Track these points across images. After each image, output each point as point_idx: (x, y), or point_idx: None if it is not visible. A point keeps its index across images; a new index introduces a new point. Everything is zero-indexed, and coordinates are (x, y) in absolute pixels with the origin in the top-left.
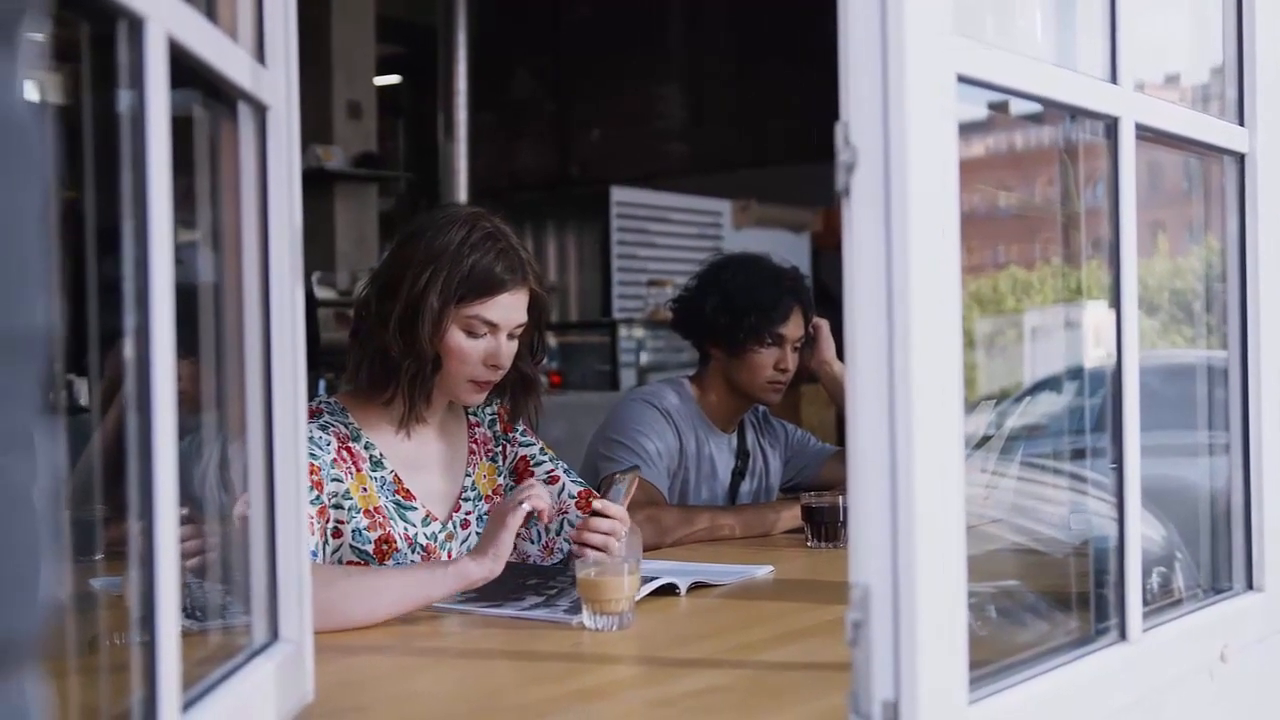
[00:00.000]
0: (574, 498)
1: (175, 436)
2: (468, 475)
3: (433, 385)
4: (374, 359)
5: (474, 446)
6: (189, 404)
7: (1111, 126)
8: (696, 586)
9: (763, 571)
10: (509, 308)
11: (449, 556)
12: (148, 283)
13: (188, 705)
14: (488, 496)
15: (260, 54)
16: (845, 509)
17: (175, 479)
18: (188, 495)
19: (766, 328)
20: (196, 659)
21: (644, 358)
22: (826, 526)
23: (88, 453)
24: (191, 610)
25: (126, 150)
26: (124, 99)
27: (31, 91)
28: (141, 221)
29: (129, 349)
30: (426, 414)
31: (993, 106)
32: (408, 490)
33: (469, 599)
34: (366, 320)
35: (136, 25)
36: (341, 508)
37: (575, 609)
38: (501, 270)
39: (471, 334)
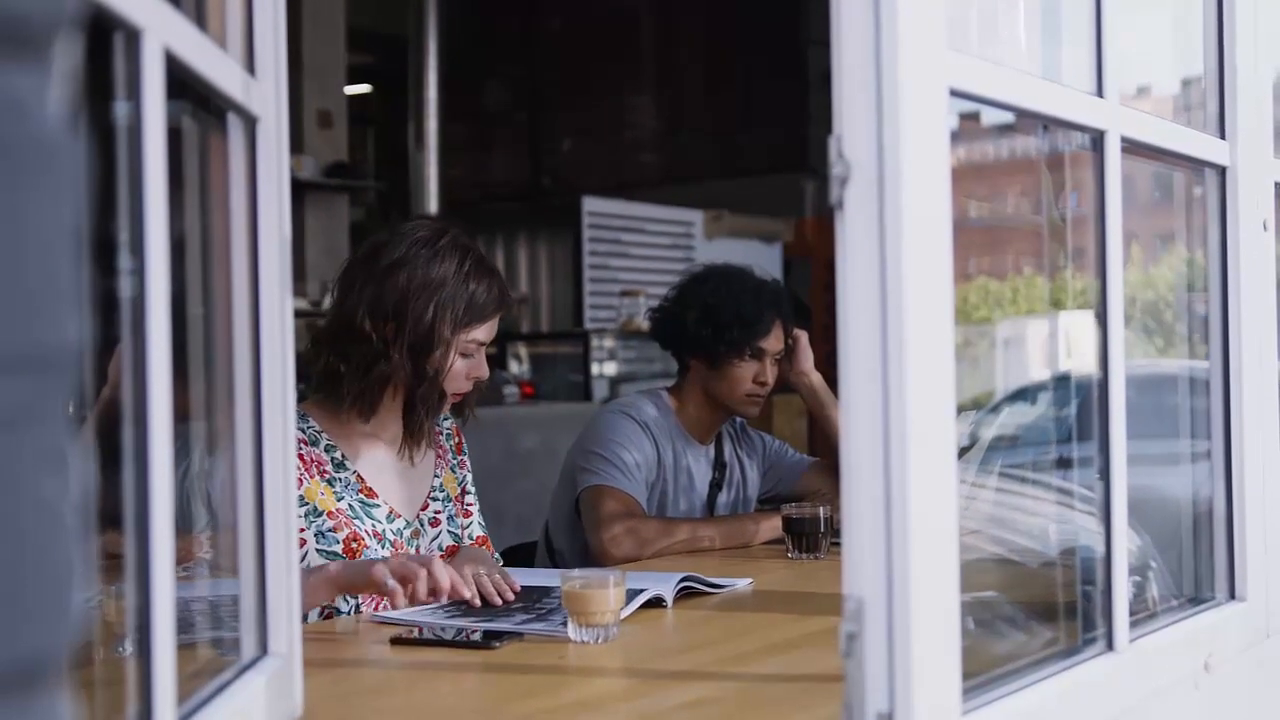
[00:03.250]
0: (472, 539)
1: (170, 450)
2: (436, 476)
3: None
4: (375, 383)
5: (440, 451)
6: (174, 414)
7: (1098, 139)
8: (684, 593)
9: (743, 584)
10: (495, 326)
11: (417, 553)
12: (144, 294)
13: None
14: (456, 498)
15: (250, 65)
16: (826, 520)
17: (170, 493)
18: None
19: (747, 341)
20: (185, 673)
21: (616, 368)
22: (807, 538)
23: None
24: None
25: (122, 161)
26: (119, 110)
27: (64, 106)
28: (138, 233)
29: (125, 361)
30: (430, 433)
31: (964, 116)
32: (370, 489)
33: (456, 615)
34: (362, 343)
35: (134, 37)
36: (299, 515)
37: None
38: (498, 295)
39: (464, 355)
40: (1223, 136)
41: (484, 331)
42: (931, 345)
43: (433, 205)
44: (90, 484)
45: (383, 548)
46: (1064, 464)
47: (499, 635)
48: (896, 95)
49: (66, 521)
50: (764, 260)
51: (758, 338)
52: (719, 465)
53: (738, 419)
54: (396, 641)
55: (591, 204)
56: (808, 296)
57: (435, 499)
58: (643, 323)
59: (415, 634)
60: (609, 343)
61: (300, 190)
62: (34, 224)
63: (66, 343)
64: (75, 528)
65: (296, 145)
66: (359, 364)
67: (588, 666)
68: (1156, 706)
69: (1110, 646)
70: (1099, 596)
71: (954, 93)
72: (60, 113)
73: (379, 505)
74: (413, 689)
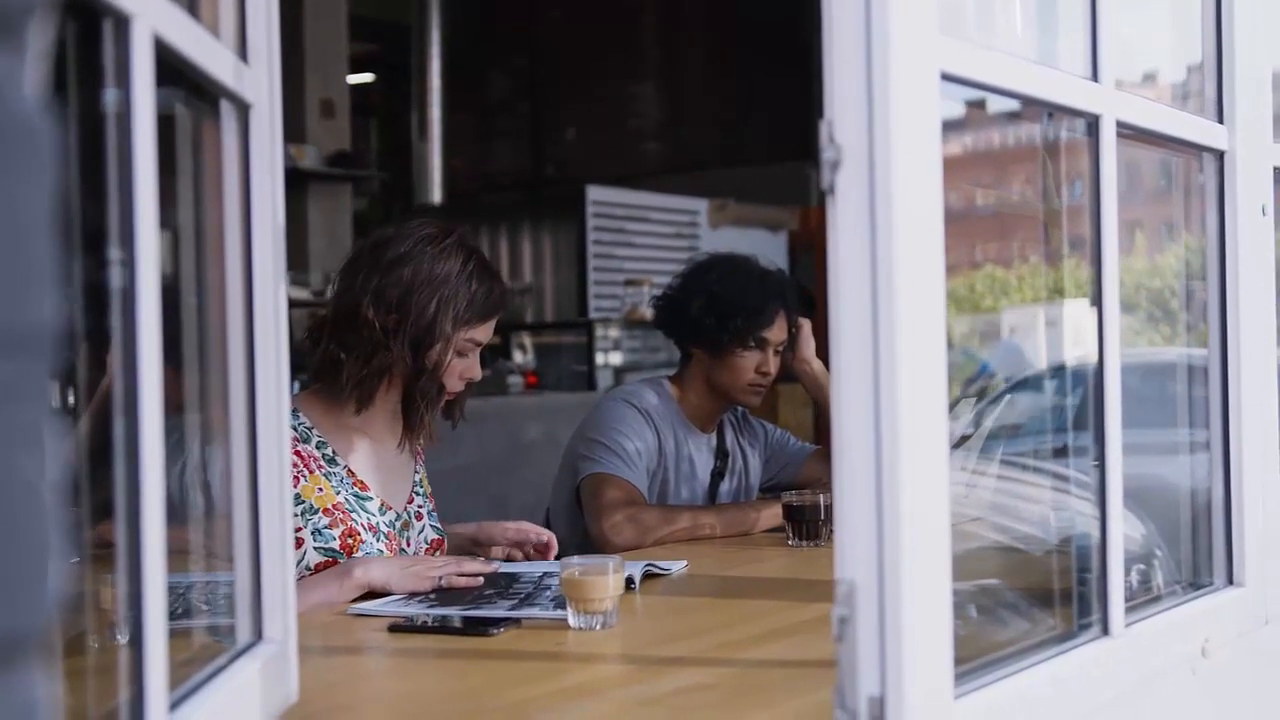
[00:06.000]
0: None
1: (161, 437)
2: (416, 472)
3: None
4: (374, 373)
5: (418, 449)
6: (168, 406)
7: (1093, 124)
8: (649, 576)
9: (679, 566)
10: (492, 328)
11: (407, 544)
12: (134, 283)
13: (174, 705)
14: (430, 495)
15: (243, 51)
16: (826, 507)
17: (161, 480)
18: (167, 496)
19: (751, 331)
20: (180, 659)
21: (621, 358)
22: (807, 525)
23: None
24: (173, 610)
25: (111, 149)
26: (108, 97)
27: (39, 88)
28: (127, 222)
29: (115, 351)
30: (430, 426)
31: (970, 104)
32: (362, 482)
33: (436, 605)
34: (364, 333)
35: (122, 23)
36: (295, 515)
37: (561, 604)
38: (498, 297)
39: (460, 354)
40: (1221, 121)
41: (482, 332)
42: (922, 329)
43: (436, 195)
44: (71, 465)
45: (377, 540)
46: (1067, 452)
47: (496, 622)
48: (887, 79)
49: (44, 499)
50: (769, 249)
51: (761, 328)
52: (721, 454)
53: (740, 407)
54: (394, 629)
55: (595, 193)
56: (813, 285)
57: (418, 493)
58: (647, 312)
59: (416, 621)
60: (613, 332)
61: (303, 180)
62: (8, 206)
63: (43, 323)
64: (53, 506)
65: (299, 135)
66: (360, 353)
67: (585, 653)
68: (1152, 692)
69: (1105, 631)
70: (1095, 582)
71: (946, 77)
72: (35, 95)
73: (371, 498)
74: (409, 675)
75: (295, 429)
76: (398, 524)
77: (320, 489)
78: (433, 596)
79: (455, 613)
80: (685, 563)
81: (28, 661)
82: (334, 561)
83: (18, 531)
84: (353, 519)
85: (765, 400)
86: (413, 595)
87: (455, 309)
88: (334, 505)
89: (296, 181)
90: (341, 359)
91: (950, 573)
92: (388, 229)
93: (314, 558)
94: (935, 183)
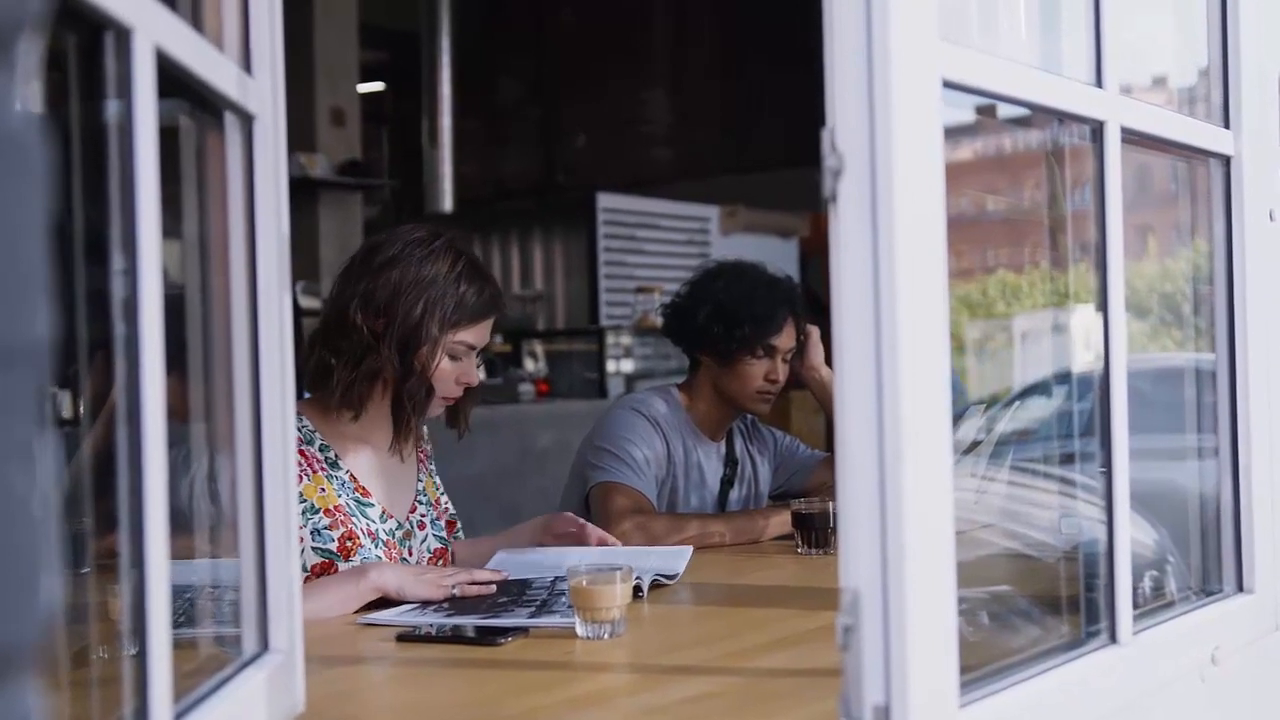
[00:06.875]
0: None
1: (165, 448)
2: (419, 480)
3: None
4: (363, 377)
5: (421, 457)
6: (175, 416)
7: (1097, 130)
8: (656, 585)
9: (683, 562)
10: (487, 331)
11: (409, 554)
12: (136, 294)
13: (179, 716)
14: (435, 503)
15: (247, 63)
16: (835, 515)
17: (165, 490)
18: (175, 508)
19: (759, 339)
20: (186, 670)
21: (632, 365)
22: (816, 532)
23: (74, 465)
24: (179, 620)
25: (114, 160)
26: (110, 109)
27: (31, 104)
28: (130, 232)
29: (119, 361)
30: (418, 430)
31: (980, 110)
32: (364, 488)
33: (451, 614)
34: (353, 337)
35: (124, 36)
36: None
37: (573, 613)
38: (489, 299)
39: (453, 357)
40: (1227, 126)
41: (473, 335)
42: (925, 337)
43: (447, 203)
44: (80, 476)
45: (376, 547)
46: (1077, 458)
47: (505, 631)
48: (888, 87)
49: (34, 514)
50: (780, 255)
51: (769, 335)
52: (731, 462)
53: (749, 415)
54: (402, 638)
55: (606, 200)
56: (824, 292)
57: (421, 502)
58: (658, 319)
59: (421, 631)
60: (624, 340)
61: (313, 188)
62: (1, 220)
63: (35, 338)
64: (44, 521)
65: (309, 144)
66: (349, 357)
67: (593, 662)
68: (1161, 699)
69: (1113, 639)
70: (1104, 589)
71: (947, 84)
72: (27, 110)
73: (372, 505)
74: (416, 685)
75: (299, 431)
76: (398, 533)
77: (322, 489)
78: (446, 606)
79: (471, 622)
80: (690, 549)
81: (20, 674)
82: (331, 564)
83: (8, 545)
84: (352, 522)
85: (777, 407)
86: (426, 604)
87: (443, 310)
88: (335, 507)
89: (307, 190)
90: (332, 365)
91: (955, 581)
92: (381, 235)
93: (311, 558)
94: (937, 189)
